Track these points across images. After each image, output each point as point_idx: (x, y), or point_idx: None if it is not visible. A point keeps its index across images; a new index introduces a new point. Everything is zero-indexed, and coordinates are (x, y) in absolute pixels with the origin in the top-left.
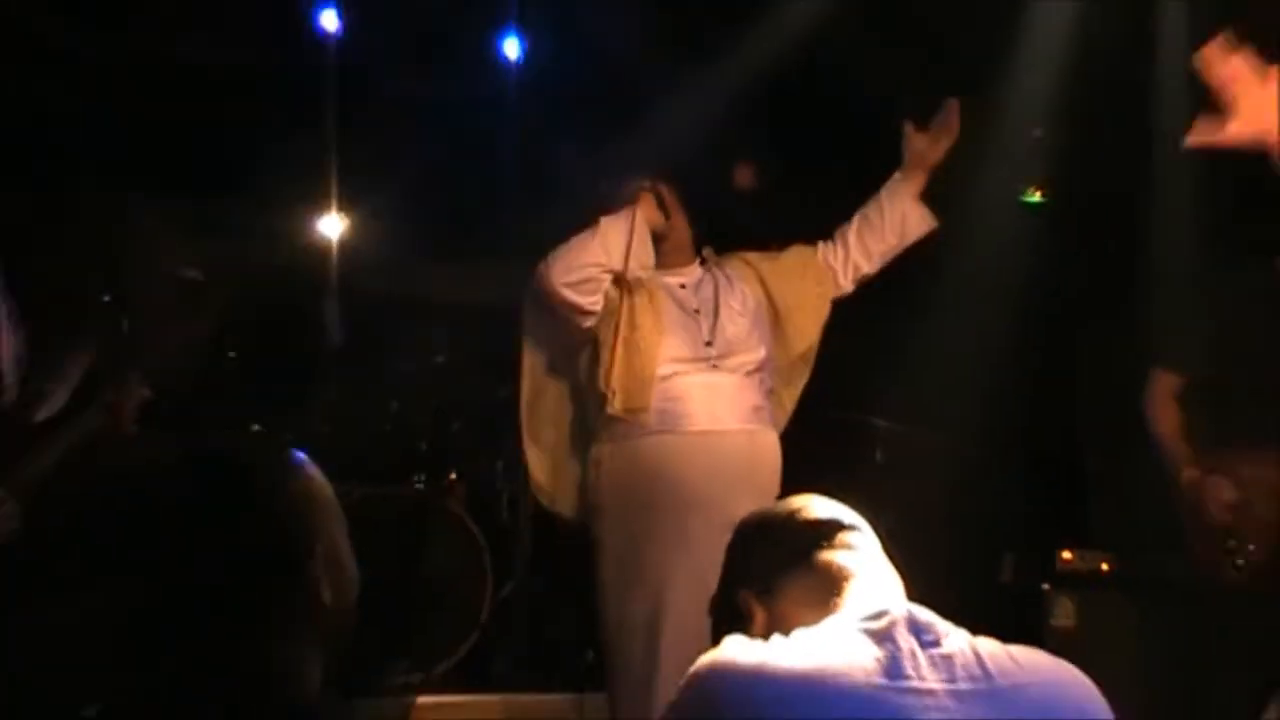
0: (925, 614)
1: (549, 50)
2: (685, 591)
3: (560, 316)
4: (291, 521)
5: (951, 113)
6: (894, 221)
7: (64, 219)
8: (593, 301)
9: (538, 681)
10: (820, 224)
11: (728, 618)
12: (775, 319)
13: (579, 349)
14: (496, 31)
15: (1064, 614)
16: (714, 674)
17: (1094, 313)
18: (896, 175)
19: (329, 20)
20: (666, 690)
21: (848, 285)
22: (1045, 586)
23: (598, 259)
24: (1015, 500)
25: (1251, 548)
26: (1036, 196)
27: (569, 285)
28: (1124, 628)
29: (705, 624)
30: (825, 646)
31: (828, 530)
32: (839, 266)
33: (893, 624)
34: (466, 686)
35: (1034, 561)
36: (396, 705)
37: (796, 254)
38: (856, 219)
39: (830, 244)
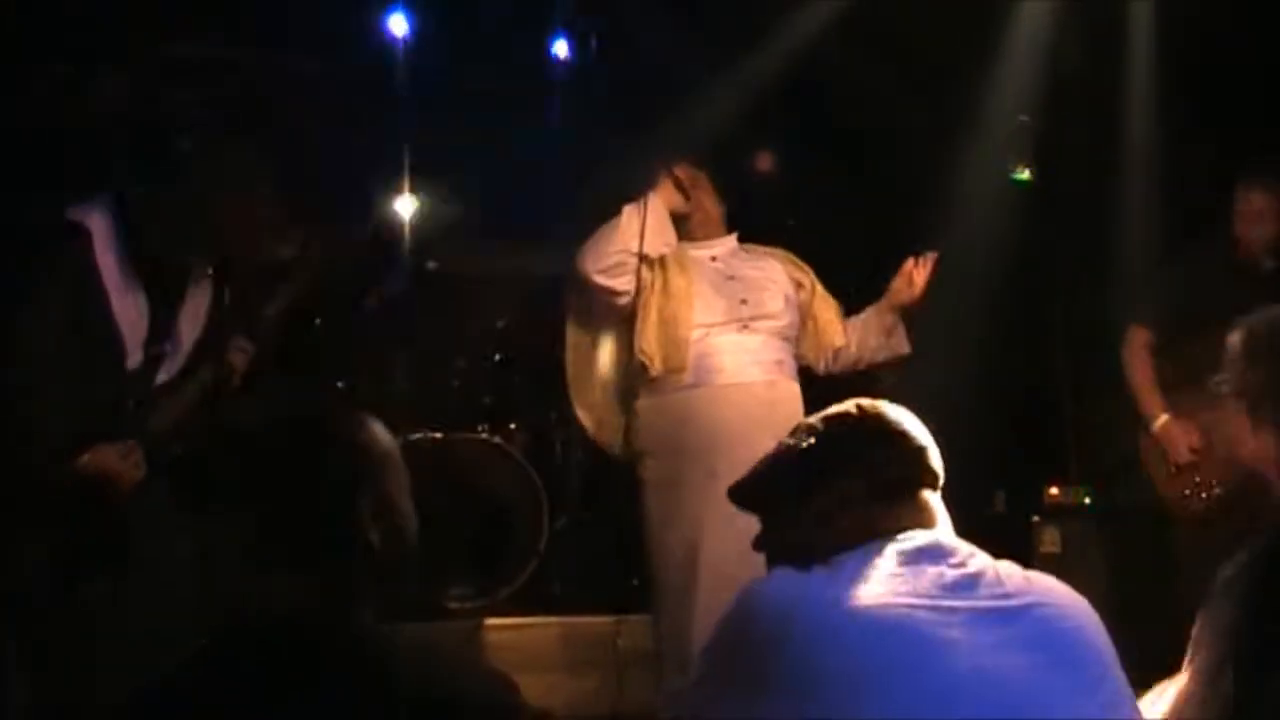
0: (951, 539)
1: (594, 47)
2: (717, 525)
3: (598, 298)
4: (340, 468)
5: (927, 265)
6: (860, 342)
7: (174, 201)
8: (624, 283)
9: (588, 604)
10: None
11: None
12: (804, 322)
13: (617, 322)
14: (547, 32)
15: (1050, 541)
16: (755, 596)
17: (1074, 275)
18: (871, 309)
19: (398, 24)
20: (704, 611)
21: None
22: (1035, 519)
23: (622, 245)
24: (1005, 441)
25: (1214, 483)
26: (1024, 174)
27: (600, 272)
28: (1100, 552)
29: (737, 553)
30: (860, 569)
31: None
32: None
33: (922, 548)
34: (525, 609)
35: (1022, 496)
36: (464, 626)
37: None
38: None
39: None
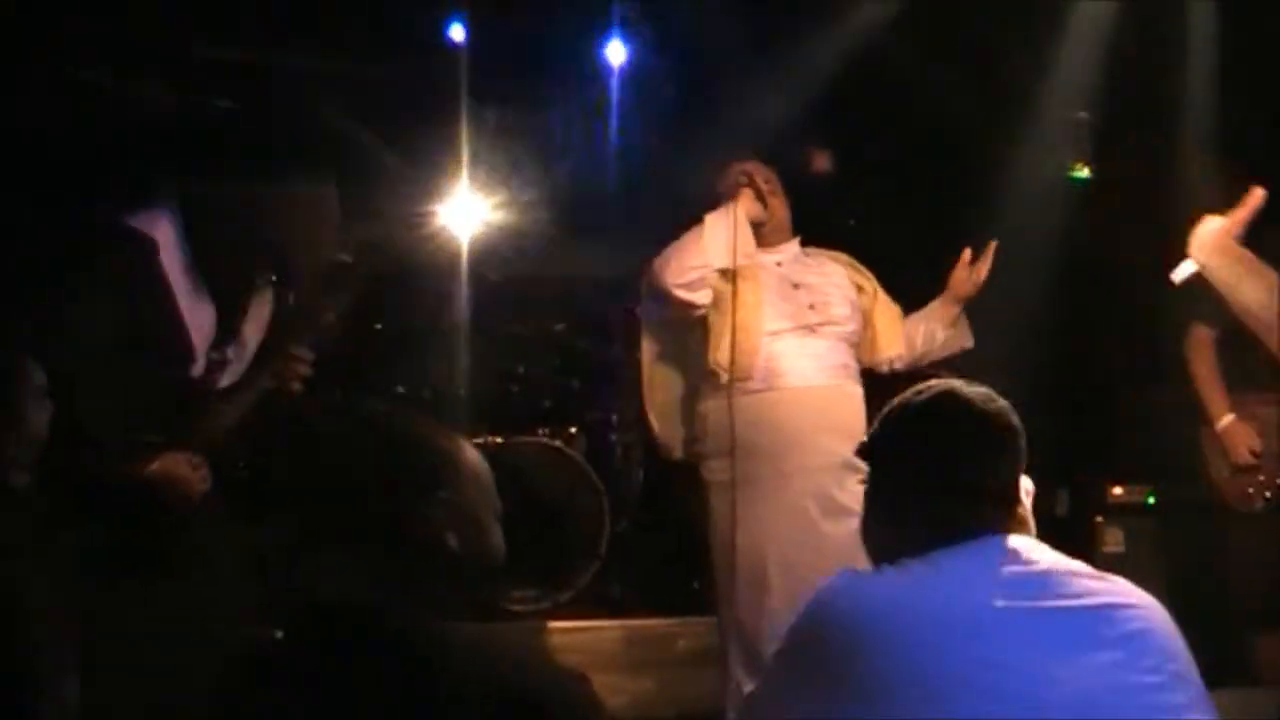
0: (1025, 539)
1: (649, 49)
2: (787, 527)
3: (674, 309)
4: (410, 468)
5: (988, 255)
6: (927, 336)
7: (236, 209)
8: (702, 297)
9: (649, 607)
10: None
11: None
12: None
13: (690, 329)
14: (601, 36)
15: (1113, 541)
16: (826, 598)
17: (1131, 271)
18: (936, 301)
19: (456, 31)
20: (774, 612)
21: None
22: (1098, 518)
23: (705, 260)
24: (1066, 440)
25: (1276, 483)
26: (1083, 172)
27: (680, 286)
28: (1164, 551)
29: (808, 554)
30: (933, 570)
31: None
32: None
33: (995, 548)
34: (587, 612)
35: (1085, 495)
36: (528, 629)
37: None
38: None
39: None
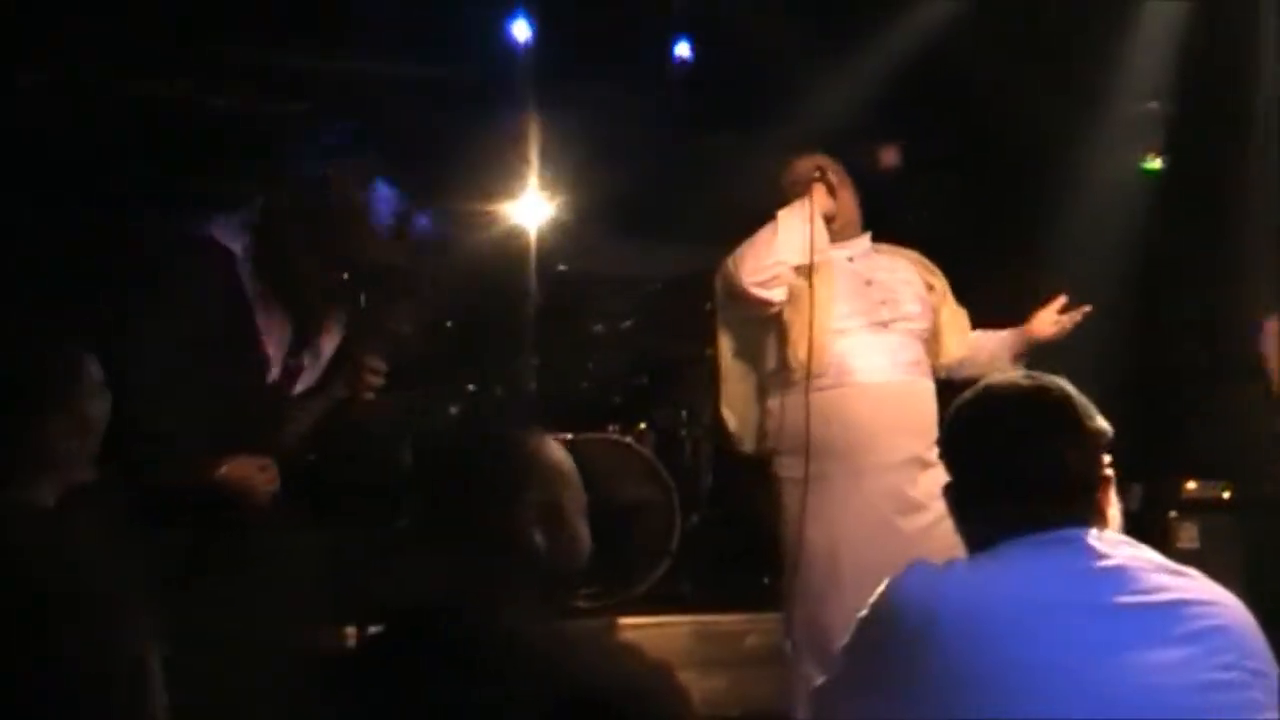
0: (1098, 533)
1: (711, 46)
2: (859, 523)
3: (750, 307)
4: (499, 469)
5: (1079, 312)
6: (991, 357)
7: (313, 212)
8: (778, 295)
9: (718, 603)
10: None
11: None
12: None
13: (766, 325)
14: (666, 34)
15: (1188, 537)
16: (896, 592)
17: (1206, 264)
18: (1010, 332)
19: (520, 30)
20: (847, 608)
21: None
22: (1172, 514)
23: (781, 258)
24: (1139, 435)
25: None
26: (1154, 163)
27: (757, 285)
28: (1239, 547)
29: (881, 550)
30: (1003, 562)
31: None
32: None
33: (1069, 540)
34: (656, 608)
35: (1159, 491)
36: (598, 625)
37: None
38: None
39: None
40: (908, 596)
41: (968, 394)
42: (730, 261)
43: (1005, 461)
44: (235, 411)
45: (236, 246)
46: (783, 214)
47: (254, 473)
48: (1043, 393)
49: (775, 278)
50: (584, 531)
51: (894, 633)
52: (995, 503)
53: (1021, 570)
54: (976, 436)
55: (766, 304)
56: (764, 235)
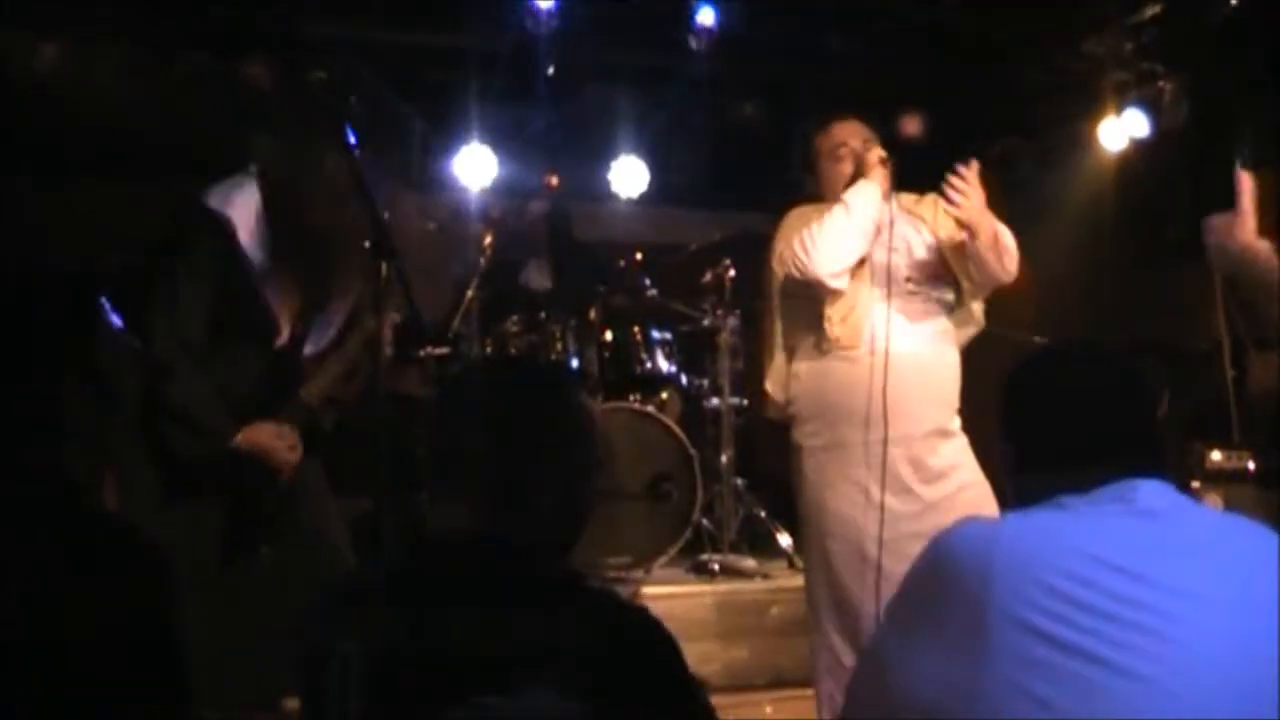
0: (1152, 485)
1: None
2: (883, 491)
3: (819, 291)
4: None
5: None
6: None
7: (324, 176)
8: (846, 280)
9: (742, 573)
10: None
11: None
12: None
13: (809, 297)
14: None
15: (1212, 507)
16: (953, 540)
17: None
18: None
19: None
20: (869, 579)
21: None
22: (1196, 484)
23: (857, 249)
24: (1164, 405)
25: None
26: None
27: (833, 275)
28: (1265, 517)
29: (903, 518)
30: (1063, 515)
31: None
32: None
33: (1115, 495)
34: (680, 578)
35: (1184, 461)
36: (623, 593)
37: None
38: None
39: None
40: (964, 548)
41: (1033, 356)
42: (801, 249)
43: (1078, 421)
44: (249, 378)
45: (237, 214)
46: (850, 198)
47: (272, 439)
48: (1111, 356)
49: (849, 267)
50: (585, 489)
51: (953, 584)
52: (1063, 460)
53: (1083, 522)
54: (1049, 395)
55: (834, 291)
56: (835, 223)
